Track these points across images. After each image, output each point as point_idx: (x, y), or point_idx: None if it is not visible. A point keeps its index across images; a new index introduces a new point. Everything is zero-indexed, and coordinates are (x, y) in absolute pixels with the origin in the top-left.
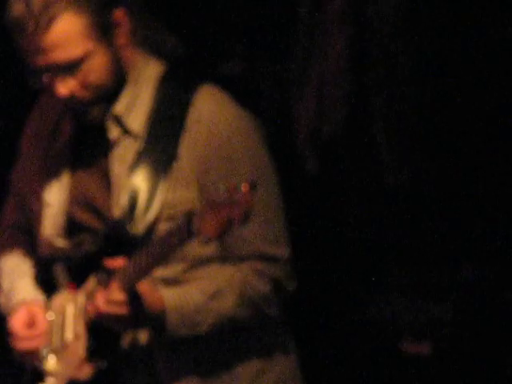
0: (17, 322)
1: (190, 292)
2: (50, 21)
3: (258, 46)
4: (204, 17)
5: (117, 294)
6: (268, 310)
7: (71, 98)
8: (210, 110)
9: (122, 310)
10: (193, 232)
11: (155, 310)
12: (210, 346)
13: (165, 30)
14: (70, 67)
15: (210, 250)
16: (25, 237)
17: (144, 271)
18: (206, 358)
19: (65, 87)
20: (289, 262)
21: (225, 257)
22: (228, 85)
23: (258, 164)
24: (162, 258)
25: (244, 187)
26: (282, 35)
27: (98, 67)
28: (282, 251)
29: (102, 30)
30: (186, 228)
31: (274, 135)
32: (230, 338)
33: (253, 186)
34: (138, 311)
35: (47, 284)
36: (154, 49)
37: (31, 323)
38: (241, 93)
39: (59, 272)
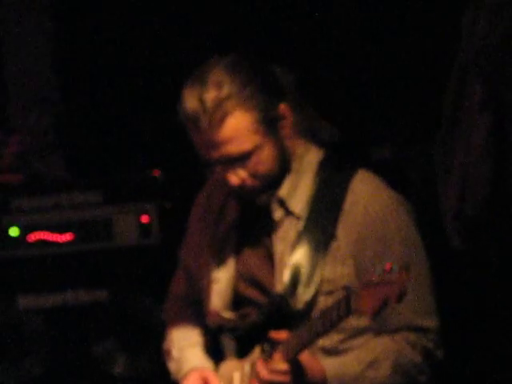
0: None
1: (349, 361)
2: (223, 118)
3: (406, 131)
4: (355, 105)
5: (280, 364)
6: (419, 377)
7: (242, 187)
8: (366, 194)
9: (285, 379)
10: (351, 309)
11: (317, 378)
12: None
13: (321, 119)
14: (241, 159)
15: (365, 322)
16: (192, 307)
17: (305, 344)
18: None
19: (236, 177)
20: (438, 332)
21: (379, 328)
22: (379, 168)
23: (409, 243)
24: (323, 333)
25: (399, 268)
26: (428, 122)
27: (266, 158)
28: (432, 322)
29: (269, 124)
30: (344, 306)
31: (422, 214)
32: None
33: (407, 268)
34: (299, 380)
35: (214, 352)
36: (313, 136)
37: None
38: (391, 175)
39: (226, 341)
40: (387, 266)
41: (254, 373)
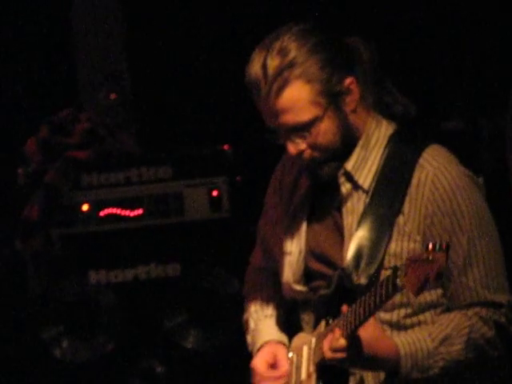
0: (260, 362)
1: (422, 338)
2: (282, 87)
3: (477, 104)
4: (427, 77)
5: (339, 341)
6: (492, 353)
7: (300, 157)
8: (435, 169)
9: (342, 355)
10: (398, 287)
11: (390, 356)
12: None
13: (395, 92)
14: (299, 129)
15: (433, 297)
16: (271, 279)
17: (361, 320)
18: None
19: (294, 147)
20: (511, 308)
21: (448, 303)
22: (450, 141)
23: (479, 219)
24: (375, 309)
25: (439, 247)
26: (499, 94)
27: (325, 131)
28: (505, 298)
29: (331, 98)
30: (391, 283)
31: (492, 186)
32: (457, 378)
33: (447, 247)
34: (359, 354)
35: (290, 324)
36: (386, 110)
37: (273, 364)
38: (462, 148)
39: (302, 314)
40: (431, 245)
41: (319, 347)
